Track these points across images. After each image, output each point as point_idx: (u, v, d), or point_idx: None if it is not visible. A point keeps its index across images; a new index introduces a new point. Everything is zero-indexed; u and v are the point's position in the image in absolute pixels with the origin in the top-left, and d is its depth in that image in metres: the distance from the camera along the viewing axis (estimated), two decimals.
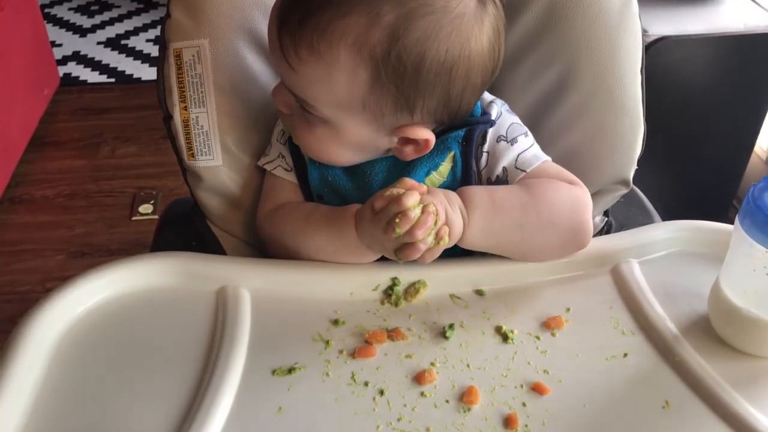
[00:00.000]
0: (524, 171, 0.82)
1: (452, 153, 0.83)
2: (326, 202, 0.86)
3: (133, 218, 2.18)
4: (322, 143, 0.80)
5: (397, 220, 0.71)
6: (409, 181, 0.75)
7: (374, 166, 0.85)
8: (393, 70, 0.72)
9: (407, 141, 0.80)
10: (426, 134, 0.79)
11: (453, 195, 0.77)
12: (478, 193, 0.77)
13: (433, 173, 0.83)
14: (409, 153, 0.81)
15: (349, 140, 0.79)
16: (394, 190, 0.73)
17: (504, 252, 0.80)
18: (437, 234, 0.73)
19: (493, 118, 0.84)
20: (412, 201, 0.72)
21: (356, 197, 0.84)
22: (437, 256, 0.76)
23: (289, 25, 0.73)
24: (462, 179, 0.83)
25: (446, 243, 0.75)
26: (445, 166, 0.83)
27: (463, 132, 0.83)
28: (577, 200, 0.81)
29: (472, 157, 0.83)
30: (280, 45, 0.74)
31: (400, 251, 0.74)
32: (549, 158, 0.86)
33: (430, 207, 0.73)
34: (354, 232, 0.77)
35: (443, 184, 0.84)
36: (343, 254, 0.79)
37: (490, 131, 0.84)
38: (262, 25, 0.89)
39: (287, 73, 0.76)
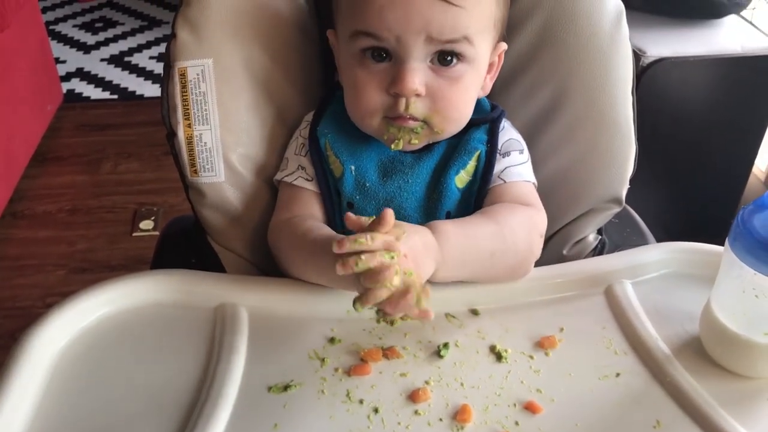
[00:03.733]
0: (504, 181, 0.86)
1: (478, 152, 0.87)
2: (357, 209, 0.87)
3: (134, 234, 2.18)
4: (470, 94, 0.84)
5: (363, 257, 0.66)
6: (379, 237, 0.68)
7: (416, 168, 0.87)
8: None
9: (490, 67, 0.87)
10: (503, 45, 0.86)
11: (430, 239, 0.74)
12: (451, 230, 0.76)
13: (462, 172, 0.87)
14: (488, 84, 0.88)
15: (482, 73, 0.84)
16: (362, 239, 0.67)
17: (472, 279, 0.81)
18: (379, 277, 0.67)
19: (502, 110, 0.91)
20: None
21: (393, 201, 0.86)
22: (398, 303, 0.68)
23: None
24: (482, 177, 0.87)
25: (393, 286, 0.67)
26: (472, 165, 0.87)
27: (487, 132, 0.88)
28: (529, 220, 0.84)
29: (495, 156, 0.87)
30: None
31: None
32: (533, 181, 0.89)
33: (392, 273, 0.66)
34: (332, 267, 0.72)
35: (469, 182, 0.87)
36: (320, 282, 0.80)
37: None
38: (267, 43, 0.91)
39: (452, 21, 0.77)
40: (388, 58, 0.80)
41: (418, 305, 0.67)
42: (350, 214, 0.71)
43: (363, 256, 0.66)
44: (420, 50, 0.78)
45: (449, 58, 0.79)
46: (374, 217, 0.71)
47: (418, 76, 0.78)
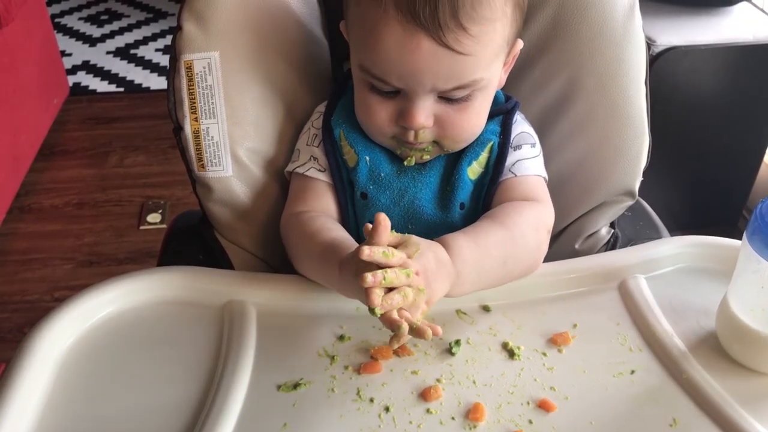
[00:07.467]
0: (514, 174, 0.86)
1: (491, 143, 0.86)
2: (371, 199, 0.86)
3: (141, 227, 2.18)
4: (481, 115, 0.82)
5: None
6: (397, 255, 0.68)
7: (427, 165, 0.86)
8: None
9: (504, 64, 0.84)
10: (519, 44, 0.84)
11: (443, 256, 0.72)
12: (464, 245, 0.75)
13: (474, 163, 0.86)
14: (503, 77, 0.85)
15: (492, 91, 0.82)
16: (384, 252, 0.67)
17: (489, 287, 0.80)
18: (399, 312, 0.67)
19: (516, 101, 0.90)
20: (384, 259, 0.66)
21: (407, 192, 0.85)
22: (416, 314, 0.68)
23: (442, 16, 0.71)
24: (494, 168, 0.86)
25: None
26: (484, 156, 0.86)
27: (500, 124, 0.87)
28: (537, 216, 0.83)
29: (507, 149, 0.86)
30: (443, 43, 0.73)
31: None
32: (544, 176, 0.88)
33: (407, 291, 0.67)
34: (337, 273, 0.73)
35: (481, 173, 0.86)
36: (323, 283, 0.79)
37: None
38: (274, 36, 0.90)
39: (460, 70, 0.75)
40: (396, 91, 0.79)
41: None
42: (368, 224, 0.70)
43: (387, 274, 0.65)
44: (428, 92, 0.77)
45: (458, 95, 0.78)
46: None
47: (425, 111, 0.78)
